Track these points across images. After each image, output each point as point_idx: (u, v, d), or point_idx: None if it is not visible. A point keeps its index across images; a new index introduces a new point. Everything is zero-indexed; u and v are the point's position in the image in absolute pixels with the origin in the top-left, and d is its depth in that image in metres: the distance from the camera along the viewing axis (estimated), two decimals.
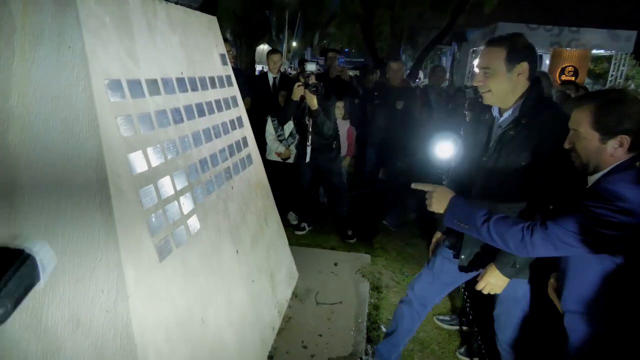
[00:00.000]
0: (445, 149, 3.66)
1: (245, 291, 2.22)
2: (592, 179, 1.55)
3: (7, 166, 1.33)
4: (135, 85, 1.55)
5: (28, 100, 1.32)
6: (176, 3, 2.02)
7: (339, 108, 4.48)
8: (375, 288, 3.37)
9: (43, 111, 1.32)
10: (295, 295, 3.00)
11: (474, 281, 2.17)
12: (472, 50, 17.79)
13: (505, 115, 1.90)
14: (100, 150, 1.32)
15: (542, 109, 1.81)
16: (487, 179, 1.94)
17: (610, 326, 1.49)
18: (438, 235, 2.37)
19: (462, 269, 2.16)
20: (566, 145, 1.56)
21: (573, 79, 12.76)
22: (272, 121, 4.28)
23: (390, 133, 4.33)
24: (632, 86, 13.00)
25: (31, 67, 1.33)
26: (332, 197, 4.22)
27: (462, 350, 2.75)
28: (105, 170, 1.32)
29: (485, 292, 1.94)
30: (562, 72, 13.50)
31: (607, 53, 14.67)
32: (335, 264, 3.53)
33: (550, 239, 1.43)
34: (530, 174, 1.78)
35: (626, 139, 1.42)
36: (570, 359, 1.59)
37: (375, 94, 4.47)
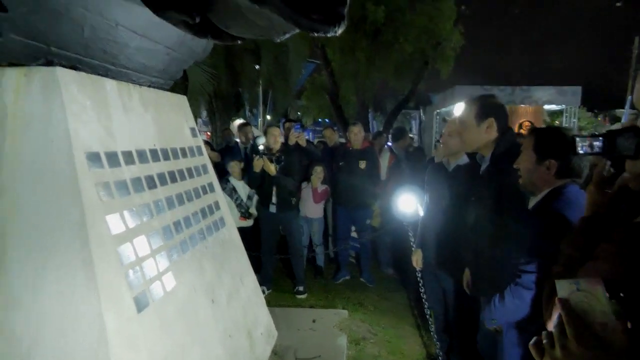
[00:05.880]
0: (408, 203, 3.92)
1: (223, 346, 2.30)
2: (532, 200, 1.84)
3: None
4: (112, 157, 1.76)
5: (18, 174, 1.51)
6: (149, 86, 2.31)
7: (318, 173, 4.78)
8: (353, 341, 3.44)
9: (31, 183, 1.51)
10: (274, 352, 3.05)
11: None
12: (435, 112, 18.86)
13: (484, 160, 2.28)
14: (82, 214, 1.50)
15: (510, 154, 2.11)
16: (476, 211, 2.28)
17: None
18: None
19: None
20: (515, 165, 1.88)
21: None
22: (224, 188, 4.52)
23: (356, 192, 4.60)
24: None
25: (21, 147, 1.53)
26: (290, 255, 4.51)
27: None
28: (87, 231, 1.50)
29: None
30: (520, 126, 14.44)
31: (558, 107, 15.86)
32: (314, 321, 3.60)
33: (525, 286, 1.67)
34: (497, 205, 2.09)
35: (554, 164, 1.72)
36: None
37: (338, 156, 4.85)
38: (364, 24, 13.00)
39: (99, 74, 1.89)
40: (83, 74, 1.76)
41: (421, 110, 22.15)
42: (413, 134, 21.77)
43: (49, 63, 1.65)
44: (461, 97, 16.60)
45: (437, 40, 13.38)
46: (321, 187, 4.78)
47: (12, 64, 1.60)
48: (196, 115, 10.82)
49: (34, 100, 1.57)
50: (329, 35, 1.39)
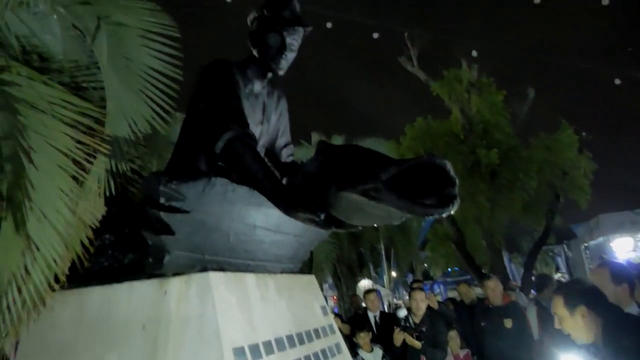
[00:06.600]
0: None
1: None
2: None
3: None
4: (254, 349, 1.88)
5: None
6: (281, 272, 2.52)
7: (453, 338, 4.42)
8: None
9: None
10: None
11: None
12: (583, 246, 16.77)
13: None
14: None
15: (621, 334, 1.90)
16: None
17: None
18: None
19: None
20: None
21: None
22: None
23: (507, 356, 4.07)
24: None
25: (180, 347, 1.74)
26: None
27: None
28: None
29: None
30: None
31: None
32: None
33: None
34: None
35: None
36: None
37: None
38: (479, 168, 12.97)
39: (240, 270, 2.15)
40: (229, 273, 2.02)
41: (565, 246, 19.90)
42: (562, 273, 19.34)
43: (203, 269, 1.94)
44: (608, 226, 14.75)
45: (563, 170, 12.63)
46: (462, 352, 4.35)
47: (175, 274, 1.92)
48: (322, 282, 11.13)
49: (191, 303, 1.82)
50: (443, 216, 1.46)
